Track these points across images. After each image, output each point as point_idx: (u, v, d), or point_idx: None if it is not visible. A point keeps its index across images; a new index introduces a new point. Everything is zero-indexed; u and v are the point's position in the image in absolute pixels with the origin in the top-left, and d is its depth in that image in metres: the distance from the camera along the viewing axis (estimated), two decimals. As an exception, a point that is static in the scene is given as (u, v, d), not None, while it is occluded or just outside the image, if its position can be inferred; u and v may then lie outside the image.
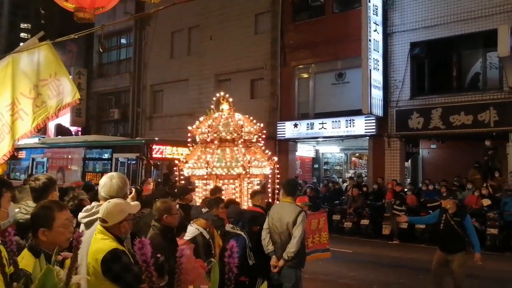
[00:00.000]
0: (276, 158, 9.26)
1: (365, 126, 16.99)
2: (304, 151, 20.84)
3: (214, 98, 9.35)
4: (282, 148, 19.66)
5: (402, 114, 16.32)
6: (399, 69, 16.73)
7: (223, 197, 7.70)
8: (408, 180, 17.69)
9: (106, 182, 3.94)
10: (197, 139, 9.19)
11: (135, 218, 3.75)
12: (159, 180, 14.32)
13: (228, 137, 8.83)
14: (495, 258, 10.62)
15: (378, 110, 16.39)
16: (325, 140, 19.29)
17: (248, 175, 8.63)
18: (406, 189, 15.11)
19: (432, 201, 14.24)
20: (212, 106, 9.25)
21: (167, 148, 15.25)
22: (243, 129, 8.90)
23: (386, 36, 16.93)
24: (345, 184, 18.41)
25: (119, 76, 27.01)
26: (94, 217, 3.71)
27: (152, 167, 14.75)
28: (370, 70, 16.03)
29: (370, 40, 16.10)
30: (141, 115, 25.61)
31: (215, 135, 8.78)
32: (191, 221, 5.47)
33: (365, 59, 16.00)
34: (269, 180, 9.53)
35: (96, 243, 3.36)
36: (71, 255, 2.30)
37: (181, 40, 23.96)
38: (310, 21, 19.26)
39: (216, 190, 7.55)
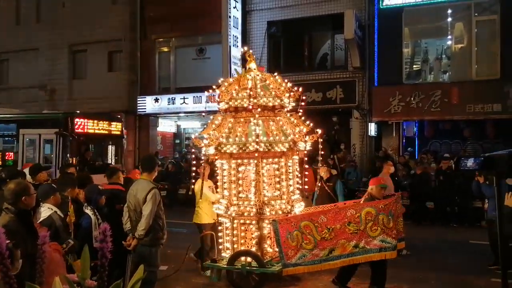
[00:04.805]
0: (319, 131, 7.34)
1: (226, 101, 17.38)
2: (166, 126, 20.68)
3: (239, 54, 7.81)
4: (143, 124, 19.32)
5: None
6: (257, 46, 17.34)
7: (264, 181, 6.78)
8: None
9: None
10: (223, 107, 7.31)
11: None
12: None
13: (270, 104, 7.11)
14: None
15: (237, 86, 16.86)
16: (187, 116, 19.35)
17: (296, 152, 7.18)
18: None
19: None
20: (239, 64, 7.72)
21: (89, 122, 13.73)
22: (290, 93, 7.23)
23: (245, 13, 17.40)
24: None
25: (-48, 41, 23.73)
26: None
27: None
28: (230, 46, 16.37)
29: (230, 17, 16.41)
30: (-18, 87, 22.95)
31: (254, 100, 6.94)
32: (40, 202, 5.03)
33: (225, 35, 16.30)
34: (305, 159, 7.55)
35: None
36: None
37: (29, 5, 21.81)
38: (171, -6, 18.95)
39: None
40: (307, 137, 7.27)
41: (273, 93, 7.14)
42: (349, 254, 6.23)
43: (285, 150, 6.94)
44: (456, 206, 12.70)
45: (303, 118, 7.37)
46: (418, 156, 15.91)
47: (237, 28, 16.94)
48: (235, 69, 7.42)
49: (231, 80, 7.43)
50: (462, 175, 12.42)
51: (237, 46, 16.90)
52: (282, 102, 7.19)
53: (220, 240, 7.47)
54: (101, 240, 2.43)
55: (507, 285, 3.45)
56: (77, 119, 13.29)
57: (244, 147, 6.84)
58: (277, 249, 6.60)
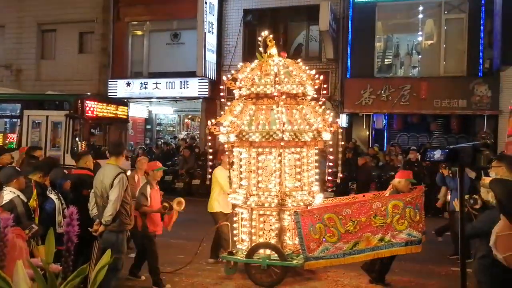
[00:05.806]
0: (339, 121, 7.21)
1: (199, 88, 17.32)
2: (137, 111, 20.40)
3: (260, 38, 7.12)
4: (114, 107, 18.98)
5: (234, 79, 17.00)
6: (233, 34, 17.30)
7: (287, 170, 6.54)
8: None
9: None
10: (243, 93, 7.03)
11: None
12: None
13: (294, 91, 6.82)
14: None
15: (211, 73, 16.81)
16: (159, 101, 19.15)
17: (317, 142, 6.86)
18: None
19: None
20: (261, 49, 7.11)
21: (99, 105, 13.33)
22: (313, 81, 6.94)
23: (222, 0, 17.29)
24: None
25: None
26: None
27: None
28: (205, 32, 16.28)
29: (206, 3, 16.28)
30: None
31: (279, 87, 6.68)
32: (3, 185, 4.91)
33: (201, 21, 16.18)
34: (330, 150, 7.25)
35: None
36: None
37: (-5, -20, 21.06)
38: (146, -24, 18.62)
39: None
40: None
41: (297, 80, 6.89)
42: (374, 248, 6.13)
43: (309, 139, 6.72)
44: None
45: (323, 107, 7.20)
46: (386, 148, 16.22)
47: (213, 15, 16.82)
48: (257, 54, 7.16)
49: (252, 65, 7.11)
50: (426, 167, 12.71)
51: (213, 32, 16.80)
52: (306, 89, 6.95)
53: (234, 232, 7.21)
54: (68, 224, 2.41)
55: (466, 274, 3.59)
56: (87, 102, 12.93)
57: (267, 135, 6.54)
58: (297, 242, 6.44)
